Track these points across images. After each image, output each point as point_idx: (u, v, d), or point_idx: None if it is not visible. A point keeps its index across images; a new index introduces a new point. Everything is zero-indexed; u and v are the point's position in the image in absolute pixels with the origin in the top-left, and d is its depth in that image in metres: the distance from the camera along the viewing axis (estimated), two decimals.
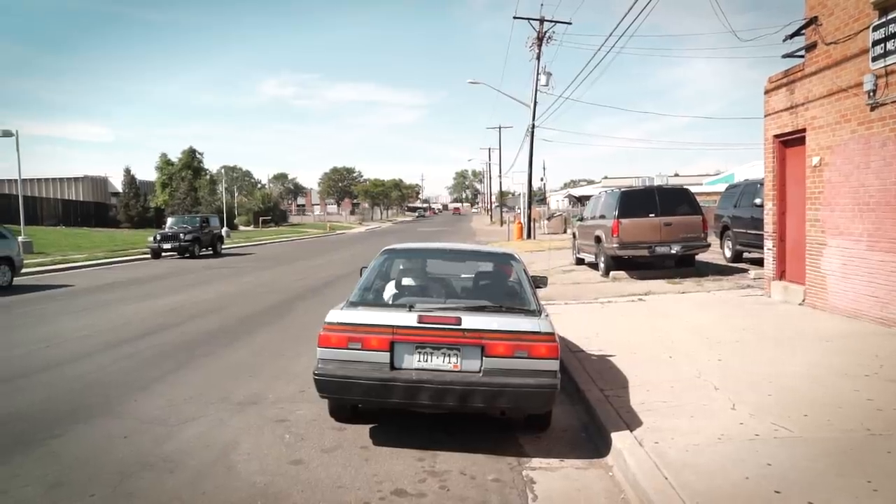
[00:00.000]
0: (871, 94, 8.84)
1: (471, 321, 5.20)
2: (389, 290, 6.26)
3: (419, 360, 5.20)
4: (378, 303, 5.90)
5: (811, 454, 4.66)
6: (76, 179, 62.34)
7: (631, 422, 5.46)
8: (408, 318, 5.26)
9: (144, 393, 7.06)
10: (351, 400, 5.62)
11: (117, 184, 61.90)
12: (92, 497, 4.46)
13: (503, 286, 6.50)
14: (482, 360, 5.12)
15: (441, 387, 5.07)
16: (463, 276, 7.11)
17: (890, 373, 6.65)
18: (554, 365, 5.17)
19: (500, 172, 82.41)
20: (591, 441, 5.53)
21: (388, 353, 5.20)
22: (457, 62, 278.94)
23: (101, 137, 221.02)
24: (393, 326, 5.24)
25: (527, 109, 36.89)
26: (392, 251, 6.91)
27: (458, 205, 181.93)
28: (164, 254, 28.36)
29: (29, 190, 57.59)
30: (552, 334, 5.23)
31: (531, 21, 34.93)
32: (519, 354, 5.11)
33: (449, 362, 5.17)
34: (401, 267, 6.90)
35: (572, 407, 6.41)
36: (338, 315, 5.48)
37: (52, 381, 7.65)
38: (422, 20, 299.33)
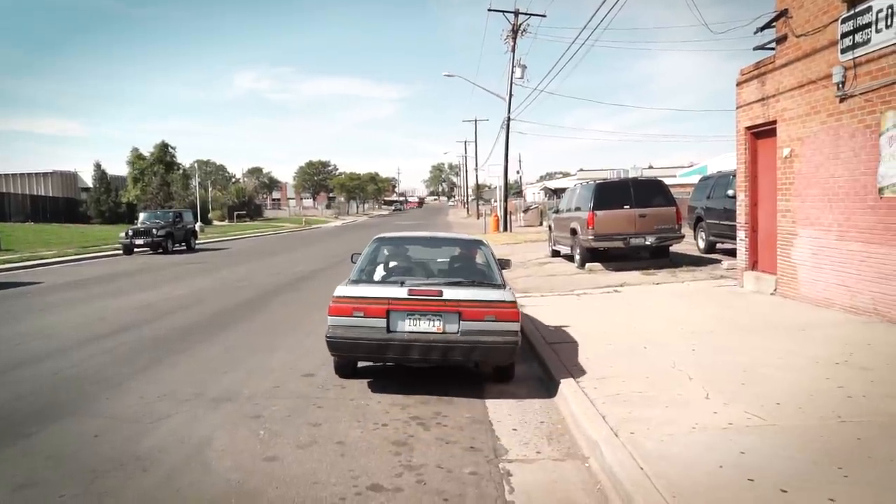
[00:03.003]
0: (840, 85, 8.96)
1: (450, 293, 6.38)
2: (383, 270, 7.54)
3: (410, 325, 6.37)
4: (375, 280, 7.18)
5: (784, 442, 4.72)
6: (45, 175, 61.29)
7: (607, 413, 5.49)
8: (400, 292, 6.46)
9: (117, 390, 6.95)
10: (355, 357, 6.90)
11: (87, 179, 60.88)
12: (62, 497, 4.38)
13: (475, 265, 7.66)
14: (460, 323, 6.31)
15: (427, 345, 6.30)
16: (440, 259, 8.20)
17: (860, 360, 6.76)
18: (516, 326, 6.36)
19: (477, 165, 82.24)
20: (566, 433, 5.55)
21: (385, 320, 6.39)
22: (433, 55, 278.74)
23: (72, 132, 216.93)
24: (388, 298, 6.43)
25: (503, 102, 36.95)
26: (382, 239, 8.07)
27: (421, 197, 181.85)
28: (136, 250, 27.95)
29: None
30: (514, 302, 6.47)
31: (506, 14, 34.93)
32: (488, 318, 6.30)
33: (433, 326, 6.34)
34: (390, 251, 8.02)
35: (548, 398, 6.43)
36: (343, 290, 6.67)
37: (23, 379, 7.50)
38: (398, 13, 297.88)
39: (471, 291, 6.50)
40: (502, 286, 6.79)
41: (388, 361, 6.98)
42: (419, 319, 6.35)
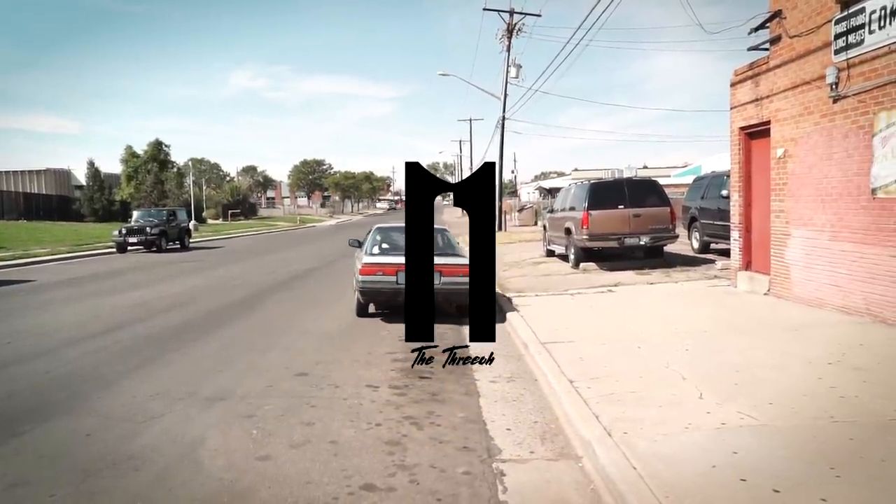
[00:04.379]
0: (834, 86, 8.98)
1: (435, 260, 8.73)
2: (386, 245, 11.36)
3: None
4: (384, 252, 11.02)
5: (776, 442, 4.73)
6: (38, 172, 60.97)
7: (600, 413, 5.49)
8: (404, 259, 8.46)
9: (110, 389, 6.93)
10: (376, 300, 10.84)
11: (81, 177, 60.63)
12: (53, 497, 4.36)
13: (441, 244, 11.36)
14: (441, 278, 9.71)
15: None
16: None
17: (852, 361, 6.78)
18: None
19: (472, 164, 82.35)
20: (560, 432, 5.55)
21: (395, 277, 10.01)
22: (428, 54, 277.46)
23: (66, 129, 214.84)
24: (397, 263, 9.84)
25: (498, 102, 36.95)
26: (380, 228, 12.22)
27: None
28: (130, 248, 27.86)
29: None
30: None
31: (501, 13, 34.92)
32: (459, 275, 9.59)
33: None
34: (385, 235, 11.79)
35: (541, 399, 6.43)
36: (368, 258, 10.55)
37: (14, 377, 7.48)
38: (393, 12, 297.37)
39: (447, 259, 10.31)
40: (465, 256, 10.04)
41: (396, 304, 10.22)
42: None
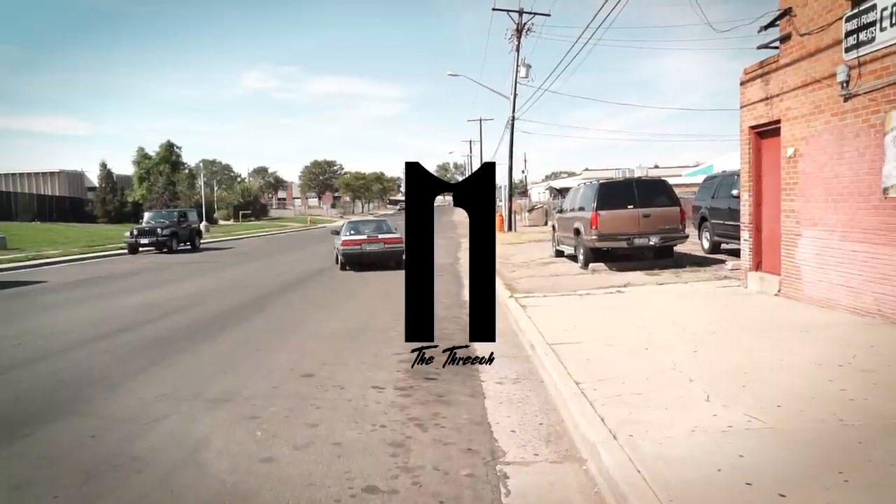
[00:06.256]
0: (845, 84, 8.88)
1: (381, 236, 19.40)
2: (353, 231, 19.97)
3: (368, 248, 18.93)
4: (354, 234, 19.56)
5: (783, 445, 4.67)
6: (51, 174, 61.59)
7: (606, 415, 5.44)
8: (363, 237, 19.33)
9: (116, 390, 6.96)
10: (350, 261, 19.02)
11: (94, 178, 61.17)
12: (56, 498, 4.38)
13: (386, 228, 20.38)
14: (385, 246, 19.02)
15: (374, 253, 18.96)
16: (373, 226, 20.43)
17: (863, 363, 6.69)
18: (403, 246, 16.93)
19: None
20: (565, 434, 5.51)
21: (360, 247, 18.94)
22: (437, 55, 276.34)
23: (77, 131, 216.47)
24: (361, 239, 19.21)
25: (507, 101, 36.88)
26: (350, 221, 21.81)
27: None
28: (141, 249, 28.08)
29: (3, 185, 56.87)
30: (401, 237, 17.92)
31: (510, 13, 34.86)
32: (395, 243, 18.97)
33: (376, 247, 18.95)
34: (354, 225, 20.78)
35: (547, 401, 6.39)
36: (346, 237, 19.40)
37: (22, 378, 7.53)
38: (402, 12, 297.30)
39: (388, 235, 19.32)
40: (397, 232, 18.94)
41: (360, 263, 18.68)
42: (371, 245, 18.85)
